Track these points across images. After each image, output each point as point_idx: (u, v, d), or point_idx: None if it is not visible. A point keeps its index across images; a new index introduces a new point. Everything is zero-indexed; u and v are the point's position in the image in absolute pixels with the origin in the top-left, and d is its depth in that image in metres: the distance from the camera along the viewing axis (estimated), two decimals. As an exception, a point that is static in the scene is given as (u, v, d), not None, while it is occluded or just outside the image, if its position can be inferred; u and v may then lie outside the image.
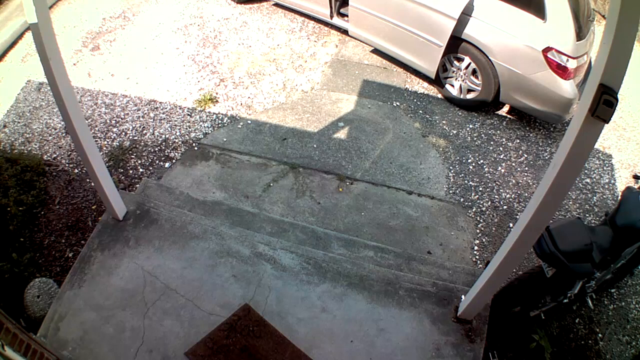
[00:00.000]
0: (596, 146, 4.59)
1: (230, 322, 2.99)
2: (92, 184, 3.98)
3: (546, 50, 4.05)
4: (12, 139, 4.47)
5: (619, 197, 3.32)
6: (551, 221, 2.90)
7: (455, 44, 4.49)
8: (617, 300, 3.58)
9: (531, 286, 3.15)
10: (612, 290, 3.63)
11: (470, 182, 4.27)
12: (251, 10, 5.93)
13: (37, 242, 3.72)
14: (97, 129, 4.58)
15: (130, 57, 5.31)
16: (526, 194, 4.21)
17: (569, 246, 2.80)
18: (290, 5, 5.68)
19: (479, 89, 4.62)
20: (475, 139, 4.63)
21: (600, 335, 3.40)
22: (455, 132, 4.67)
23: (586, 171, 4.45)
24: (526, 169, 4.42)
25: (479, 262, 3.74)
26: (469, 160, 4.44)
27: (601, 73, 1.69)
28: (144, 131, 4.58)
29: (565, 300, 3.12)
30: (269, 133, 4.58)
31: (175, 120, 4.67)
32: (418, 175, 4.29)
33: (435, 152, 4.49)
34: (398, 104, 4.92)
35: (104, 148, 4.42)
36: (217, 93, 4.93)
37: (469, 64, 4.55)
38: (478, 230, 3.94)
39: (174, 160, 4.34)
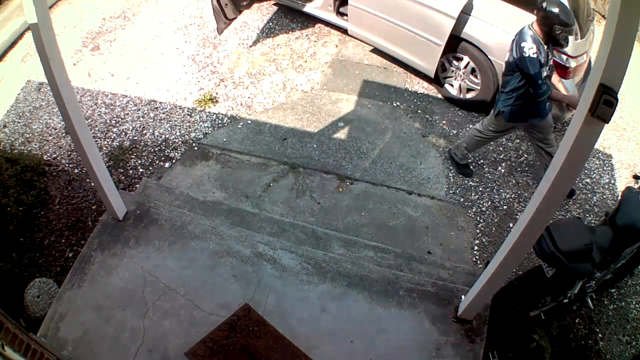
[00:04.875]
0: (596, 146, 4.58)
1: (230, 322, 2.99)
2: (92, 184, 3.98)
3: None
4: (12, 139, 4.47)
5: (619, 197, 3.32)
6: (551, 221, 2.90)
7: (455, 43, 4.49)
8: (617, 300, 3.58)
9: (531, 286, 3.15)
10: (612, 290, 3.63)
11: (470, 182, 4.27)
12: (251, 10, 5.92)
13: (37, 242, 3.72)
14: (97, 129, 4.58)
15: (130, 57, 5.31)
16: (526, 194, 4.21)
17: (569, 246, 2.80)
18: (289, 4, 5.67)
19: (478, 88, 4.62)
20: (475, 138, 4.63)
21: (600, 335, 3.40)
22: (455, 132, 4.67)
23: (586, 171, 4.44)
24: (526, 169, 4.41)
25: (479, 262, 3.74)
26: (469, 160, 4.44)
27: (601, 73, 1.69)
28: (144, 131, 4.58)
29: (565, 300, 3.12)
30: (269, 133, 4.58)
31: (175, 120, 4.68)
32: (418, 175, 4.29)
33: (435, 152, 4.49)
34: (398, 103, 4.92)
35: (104, 148, 4.42)
36: (217, 93, 4.93)
37: (468, 63, 4.55)
38: (478, 230, 3.94)
39: (174, 160, 4.34)
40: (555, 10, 3.21)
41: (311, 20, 5.73)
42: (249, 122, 4.68)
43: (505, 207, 4.11)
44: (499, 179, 4.32)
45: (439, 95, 5.01)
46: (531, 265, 3.70)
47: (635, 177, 3.42)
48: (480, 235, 3.91)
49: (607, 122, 1.79)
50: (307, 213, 3.96)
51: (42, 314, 3.11)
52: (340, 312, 3.10)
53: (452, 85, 4.85)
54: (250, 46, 5.48)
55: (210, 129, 4.61)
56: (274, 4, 5.99)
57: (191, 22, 5.76)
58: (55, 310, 3.05)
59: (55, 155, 4.35)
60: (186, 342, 2.91)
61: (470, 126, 4.73)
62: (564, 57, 4.03)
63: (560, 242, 2.80)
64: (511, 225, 3.98)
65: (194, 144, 4.47)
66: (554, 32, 3.28)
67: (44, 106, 4.78)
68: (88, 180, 4.10)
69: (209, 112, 4.75)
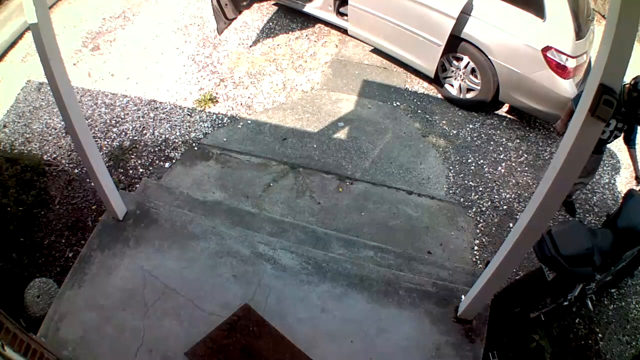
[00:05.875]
0: (596, 146, 4.57)
1: (230, 322, 2.99)
2: (92, 184, 3.98)
3: (545, 49, 4.04)
4: (12, 139, 4.47)
5: (621, 200, 3.32)
6: (551, 223, 2.90)
7: (455, 44, 4.48)
8: (617, 300, 3.58)
9: (531, 288, 3.15)
10: (612, 291, 3.63)
11: (470, 182, 4.27)
12: (251, 10, 5.92)
13: (37, 242, 3.72)
14: (97, 129, 4.58)
15: (130, 57, 5.31)
16: (526, 194, 4.21)
17: (570, 250, 2.79)
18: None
19: (478, 88, 4.62)
20: (475, 139, 4.63)
21: (600, 335, 3.40)
22: (455, 132, 4.67)
23: (586, 171, 4.45)
24: (526, 169, 4.41)
25: (479, 262, 3.74)
26: (469, 160, 4.44)
27: (601, 73, 1.69)
28: (144, 131, 4.58)
29: (565, 303, 3.12)
30: (269, 133, 4.58)
31: (175, 120, 4.67)
32: (418, 175, 4.29)
33: (435, 152, 4.49)
34: (398, 104, 4.92)
35: (104, 148, 4.42)
36: (217, 93, 4.93)
37: (468, 63, 4.55)
38: (478, 230, 3.94)
39: (174, 160, 4.34)
40: None
41: (311, 20, 5.73)
42: (249, 122, 4.68)
43: (505, 207, 4.11)
44: (499, 179, 4.32)
45: (439, 95, 5.01)
46: (532, 267, 3.70)
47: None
48: (480, 235, 3.91)
49: (607, 122, 1.79)
50: (307, 213, 3.96)
51: (42, 314, 3.11)
52: (340, 312, 3.10)
53: (452, 85, 4.85)
54: (250, 46, 5.48)
55: (210, 129, 4.61)
56: (274, 4, 5.99)
57: (191, 22, 5.76)
58: (55, 310, 3.05)
59: (55, 155, 4.35)
60: (186, 342, 2.91)
61: (470, 126, 4.73)
62: (564, 57, 4.03)
63: (562, 246, 2.80)
64: (511, 225, 3.98)
65: (194, 144, 4.47)
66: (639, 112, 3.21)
67: (44, 106, 4.78)
68: (88, 180, 4.10)
69: (209, 112, 4.75)
